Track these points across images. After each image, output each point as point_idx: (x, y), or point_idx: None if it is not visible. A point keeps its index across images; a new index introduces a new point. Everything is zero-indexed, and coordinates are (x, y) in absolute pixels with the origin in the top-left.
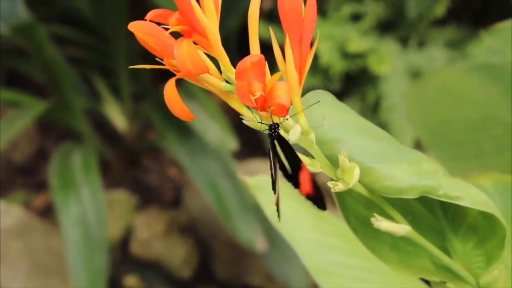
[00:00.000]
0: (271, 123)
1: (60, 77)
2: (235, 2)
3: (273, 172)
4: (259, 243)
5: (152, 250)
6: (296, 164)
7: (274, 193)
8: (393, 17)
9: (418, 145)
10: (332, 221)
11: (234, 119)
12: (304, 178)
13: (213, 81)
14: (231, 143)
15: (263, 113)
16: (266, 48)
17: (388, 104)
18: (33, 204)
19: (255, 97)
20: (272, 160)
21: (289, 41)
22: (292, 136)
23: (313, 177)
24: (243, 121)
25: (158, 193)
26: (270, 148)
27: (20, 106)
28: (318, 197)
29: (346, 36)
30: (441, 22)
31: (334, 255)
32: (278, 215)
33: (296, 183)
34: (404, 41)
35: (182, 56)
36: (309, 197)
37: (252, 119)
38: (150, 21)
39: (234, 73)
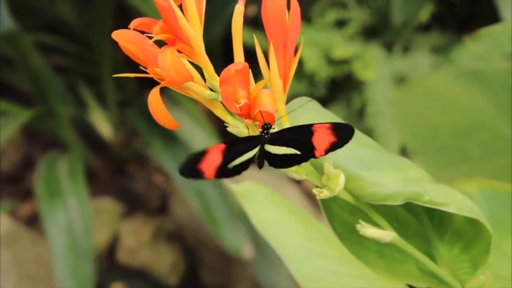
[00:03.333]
0: (264, 124)
1: (46, 86)
2: (219, 10)
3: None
4: (246, 251)
5: (139, 258)
6: (307, 135)
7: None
8: (378, 23)
9: (404, 152)
10: (319, 227)
11: (220, 126)
12: (321, 135)
13: (198, 89)
14: None
15: (248, 121)
16: (251, 55)
17: (374, 110)
18: (20, 213)
19: (240, 105)
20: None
21: (273, 48)
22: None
23: (331, 124)
24: (228, 129)
25: (144, 201)
26: (252, 144)
27: (6, 115)
28: (342, 131)
29: (331, 42)
30: (425, 28)
31: (321, 262)
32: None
33: (307, 155)
34: (389, 47)
35: (166, 65)
36: (333, 146)
37: (236, 126)
38: (134, 29)
39: (218, 81)
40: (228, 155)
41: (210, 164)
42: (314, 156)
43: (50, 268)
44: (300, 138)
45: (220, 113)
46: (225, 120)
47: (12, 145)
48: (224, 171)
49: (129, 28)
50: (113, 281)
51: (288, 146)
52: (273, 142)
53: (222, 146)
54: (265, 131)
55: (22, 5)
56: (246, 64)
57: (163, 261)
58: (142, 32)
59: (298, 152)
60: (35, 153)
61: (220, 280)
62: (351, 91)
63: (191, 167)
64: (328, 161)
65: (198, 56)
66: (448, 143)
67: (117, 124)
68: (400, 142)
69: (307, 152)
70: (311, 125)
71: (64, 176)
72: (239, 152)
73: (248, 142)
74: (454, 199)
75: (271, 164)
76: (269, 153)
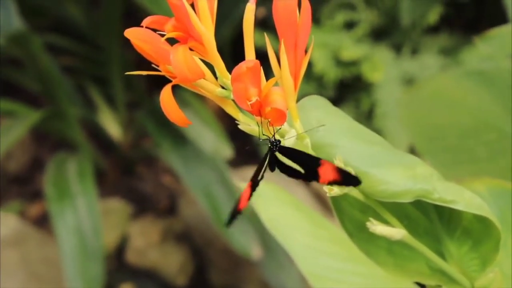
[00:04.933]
0: (273, 139)
1: (55, 87)
2: (228, 13)
3: (259, 177)
4: (255, 251)
5: (148, 258)
6: (313, 164)
7: (251, 195)
8: (387, 25)
9: (412, 153)
10: (327, 226)
11: (229, 127)
12: (327, 171)
13: (209, 86)
14: (226, 150)
15: (258, 118)
16: (260, 56)
17: (382, 112)
18: (29, 214)
19: (251, 102)
20: (262, 166)
21: (284, 46)
22: (287, 141)
23: (338, 166)
24: (239, 126)
25: (153, 202)
26: (267, 156)
27: (15, 116)
28: (348, 177)
29: (340, 43)
30: (434, 30)
31: (330, 261)
32: (233, 219)
33: (311, 178)
34: (397, 49)
35: (178, 62)
36: (336, 182)
37: (247, 124)
38: (146, 27)
39: (229, 79)
40: (255, 183)
41: (244, 200)
42: (318, 181)
43: (58, 269)
44: (307, 164)
45: (232, 110)
46: (237, 118)
47: (21, 146)
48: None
49: (141, 26)
50: (122, 282)
51: (295, 162)
52: (282, 153)
53: (250, 183)
54: (274, 146)
55: (31, 6)
56: (257, 62)
57: (171, 261)
58: (154, 30)
59: (303, 171)
60: (44, 154)
61: (229, 280)
62: (360, 92)
63: (234, 216)
64: (339, 159)
65: (210, 54)
66: (454, 143)
67: (126, 125)
68: (409, 143)
69: (312, 175)
70: (319, 158)
71: (73, 177)
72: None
73: (262, 163)
74: (463, 197)
75: (279, 168)
76: (278, 159)
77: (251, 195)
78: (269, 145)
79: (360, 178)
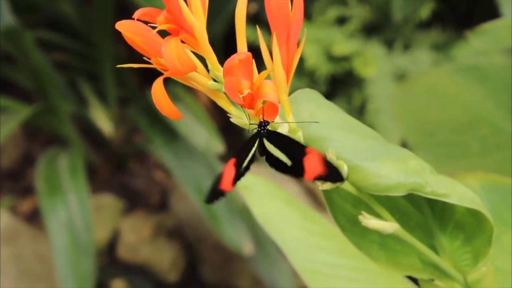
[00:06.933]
0: (261, 121)
1: (47, 82)
2: (220, 9)
3: (245, 166)
4: (246, 247)
5: (139, 254)
6: (299, 152)
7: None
8: (379, 20)
9: (404, 148)
10: (319, 221)
11: (220, 122)
12: (312, 162)
13: (201, 79)
14: (218, 146)
15: (251, 111)
16: (252, 51)
17: (374, 107)
18: (20, 209)
19: (243, 95)
20: (248, 148)
21: (276, 39)
22: None
23: (324, 156)
24: (231, 120)
25: (144, 197)
26: (254, 142)
27: (6, 111)
28: (333, 171)
29: (332, 39)
30: (426, 25)
31: (322, 255)
32: (212, 199)
33: (298, 172)
34: (389, 44)
35: (170, 54)
36: (321, 177)
37: (239, 117)
38: (138, 20)
39: (221, 72)
40: (239, 163)
41: (228, 180)
42: (303, 177)
43: (50, 265)
44: (293, 152)
45: (223, 103)
46: (228, 111)
47: (13, 142)
48: (238, 177)
49: (133, 19)
50: (114, 277)
51: (282, 151)
52: (269, 139)
53: (233, 160)
54: (262, 127)
55: (23, 2)
56: (249, 54)
57: (163, 257)
58: (146, 23)
59: (290, 163)
60: (36, 150)
61: (220, 276)
62: (352, 88)
63: (215, 194)
64: (331, 152)
65: (201, 46)
66: (448, 139)
67: (117, 120)
68: (401, 139)
69: (298, 169)
70: (305, 146)
71: (65, 173)
72: (246, 154)
73: (250, 142)
74: (456, 190)
75: (267, 160)
76: (266, 149)
77: (236, 179)
78: (258, 128)
79: (344, 175)
